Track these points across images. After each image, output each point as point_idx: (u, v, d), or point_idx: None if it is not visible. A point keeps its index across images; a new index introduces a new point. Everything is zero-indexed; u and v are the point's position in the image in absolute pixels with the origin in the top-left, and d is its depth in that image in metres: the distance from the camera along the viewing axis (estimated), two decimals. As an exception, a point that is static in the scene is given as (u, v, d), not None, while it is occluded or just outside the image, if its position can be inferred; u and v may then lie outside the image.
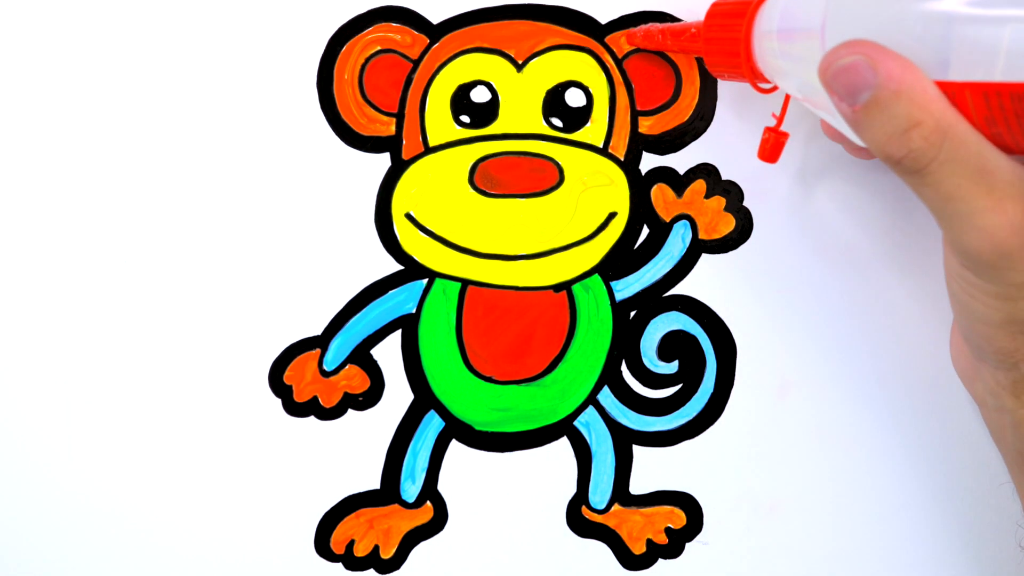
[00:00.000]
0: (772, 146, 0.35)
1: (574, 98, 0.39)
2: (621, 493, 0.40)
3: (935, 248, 0.40)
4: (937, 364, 0.40)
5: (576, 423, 0.40)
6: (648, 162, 0.39)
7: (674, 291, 0.40)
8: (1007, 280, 0.28)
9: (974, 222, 0.27)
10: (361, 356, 0.39)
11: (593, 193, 0.39)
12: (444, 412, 0.40)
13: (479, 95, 0.39)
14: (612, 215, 0.39)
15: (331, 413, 0.39)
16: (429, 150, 0.39)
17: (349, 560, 0.40)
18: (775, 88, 0.34)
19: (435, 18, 0.38)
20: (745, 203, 0.39)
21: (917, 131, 0.26)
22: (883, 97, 0.26)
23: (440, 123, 0.39)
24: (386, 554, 0.40)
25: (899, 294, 0.40)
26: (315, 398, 0.39)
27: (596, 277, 0.39)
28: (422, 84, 0.38)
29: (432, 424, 0.40)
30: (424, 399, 0.39)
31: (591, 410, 0.40)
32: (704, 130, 0.39)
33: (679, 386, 0.40)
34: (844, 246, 0.40)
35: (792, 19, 0.30)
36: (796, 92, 0.31)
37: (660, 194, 0.39)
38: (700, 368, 0.40)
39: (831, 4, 0.28)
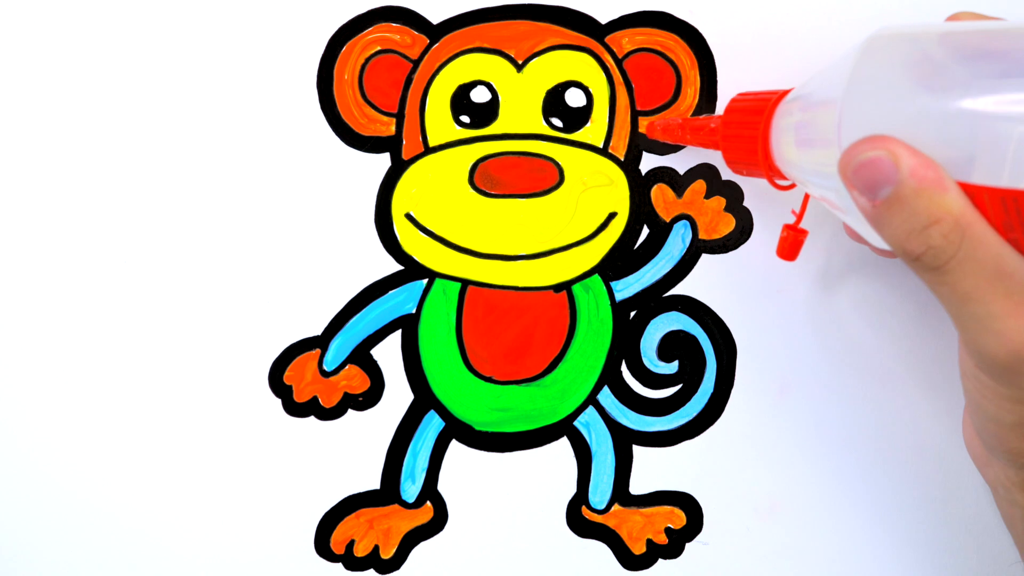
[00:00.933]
0: (791, 244, 0.35)
1: (574, 98, 0.39)
2: (621, 493, 0.40)
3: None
4: (938, 365, 0.40)
5: (576, 423, 0.40)
6: (648, 162, 0.39)
7: (674, 291, 0.40)
8: (1022, 384, 0.27)
9: (990, 325, 0.26)
10: (361, 356, 0.39)
11: (593, 193, 0.39)
12: (444, 412, 0.40)
13: (479, 95, 0.39)
14: (612, 215, 0.39)
15: (331, 413, 0.39)
16: (429, 150, 0.39)
17: (349, 560, 0.40)
18: (793, 186, 0.33)
19: (435, 18, 0.38)
20: (745, 203, 0.39)
21: (936, 228, 0.26)
22: (904, 193, 0.26)
23: (440, 123, 0.39)
24: (386, 554, 0.40)
25: (900, 289, 0.40)
26: (315, 398, 0.39)
27: (596, 277, 0.39)
28: (422, 84, 0.38)
29: (432, 424, 0.40)
30: (424, 399, 0.39)
31: (591, 410, 0.40)
32: (704, 130, 0.39)
33: (679, 386, 0.40)
34: (844, 245, 0.40)
35: (809, 115, 0.30)
36: (814, 190, 0.31)
37: (660, 194, 0.39)
38: (700, 368, 0.40)
39: (848, 101, 0.27)
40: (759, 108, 0.33)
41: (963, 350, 0.30)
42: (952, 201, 0.26)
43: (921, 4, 0.38)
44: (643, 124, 0.39)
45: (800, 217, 0.35)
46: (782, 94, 0.33)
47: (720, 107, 0.39)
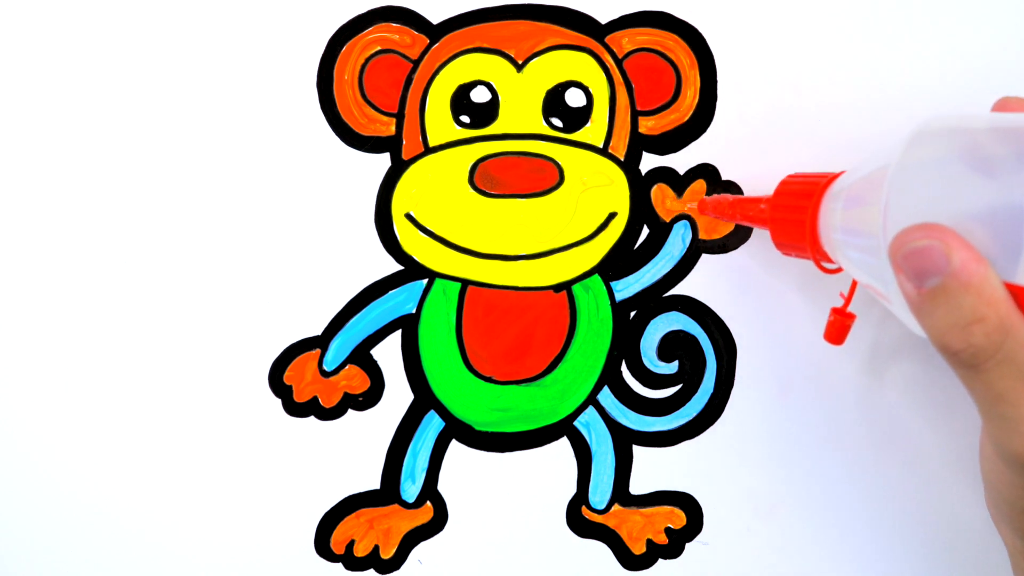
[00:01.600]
0: (839, 328, 0.35)
1: (574, 98, 0.39)
2: (621, 493, 0.40)
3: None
4: (939, 369, 0.40)
5: (576, 423, 0.40)
6: (648, 162, 0.39)
7: (674, 291, 0.40)
8: None
9: (1020, 428, 0.26)
10: (361, 356, 0.39)
11: (593, 193, 0.39)
12: (444, 412, 0.40)
13: (479, 95, 0.39)
14: (612, 215, 0.39)
15: (331, 413, 0.39)
16: (429, 150, 0.39)
17: (349, 560, 0.40)
18: (840, 269, 0.33)
19: (435, 18, 0.38)
20: (745, 203, 0.39)
21: (980, 326, 0.26)
22: (952, 286, 0.26)
23: (440, 123, 0.39)
24: (386, 554, 0.40)
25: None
26: (315, 398, 0.39)
27: (596, 277, 0.39)
28: (422, 84, 0.38)
29: (432, 424, 0.40)
30: (424, 399, 0.39)
31: (591, 410, 0.40)
32: (704, 130, 0.39)
33: (679, 386, 0.40)
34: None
35: (858, 201, 0.30)
36: (860, 276, 0.31)
37: (660, 194, 0.39)
38: (700, 368, 0.40)
39: (896, 189, 0.27)
40: (808, 192, 0.33)
41: (986, 437, 0.30)
42: (999, 301, 0.26)
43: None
44: (643, 124, 0.39)
45: (848, 301, 0.35)
46: (832, 178, 0.33)
47: (720, 107, 0.39)
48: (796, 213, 0.33)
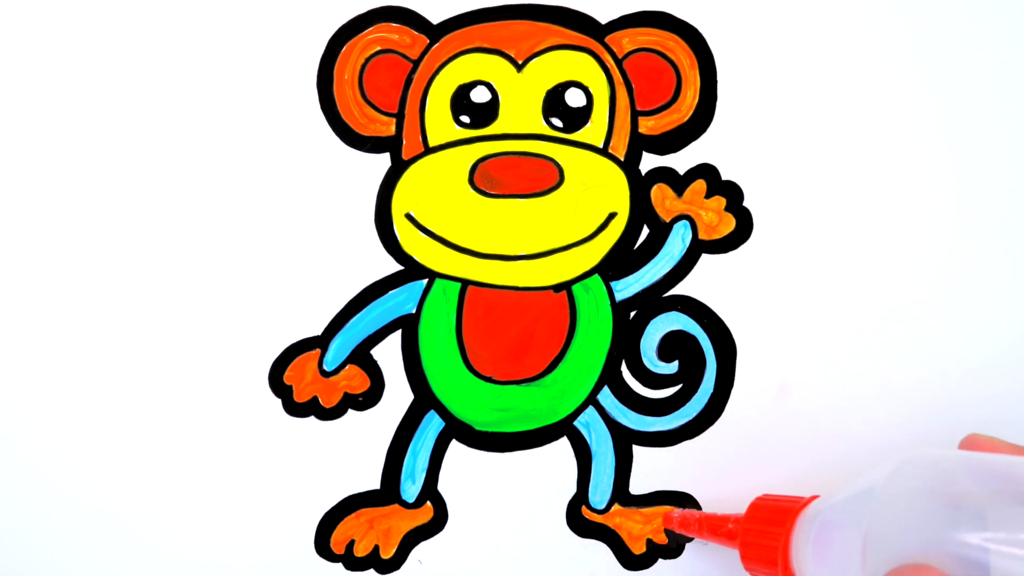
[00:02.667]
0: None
1: (574, 98, 0.39)
2: (621, 493, 0.40)
3: (935, 244, 0.40)
4: (939, 372, 0.40)
5: (576, 423, 0.40)
6: (648, 162, 0.39)
7: (674, 291, 0.40)
8: None
9: None
10: (361, 356, 0.39)
11: (593, 193, 0.39)
12: (444, 412, 0.40)
13: (479, 95, 0.39)
14: (612, 215, 0.39)
15: (331, 413, 0.39)
16: (429, 150, 0.39)
17: (349, 560, 0.40)
18: None
19: (435, 18, 0.38)
20: (745, 203, 0.39)
21: None
22: None
23: (440, 123, 0.39)
24: (386, 554, 0.40)
25: (901, 292, 0.40)
26: (315, 398, 0.39)
27: (596, 277, 0.39)
28: (422, 84, 0.38)
29: (432, 424, 0.40)
30: (424, 399, 0.39)
31: (591, 410, 0.40)
32: (704, 130, 0.39)
33: (679, 386, 0.40)
34: (844, 245, 0.40)
35: (833, 533, 0.30)
36: None
37: (660, 194, 0.39)
38: (700, 368, 0.40)
39: (873, 527, 0.28)
40: (780, 519, 0.33)
41: None
42: None
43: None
44: (643, 124, 0.39)
45: None
46: (804, 503, 0.33)
47: (720, 108, 0.39)
48: (768, 539, 0.33)
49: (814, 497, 0.33)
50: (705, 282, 0.40)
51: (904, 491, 0.28)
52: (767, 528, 0.33)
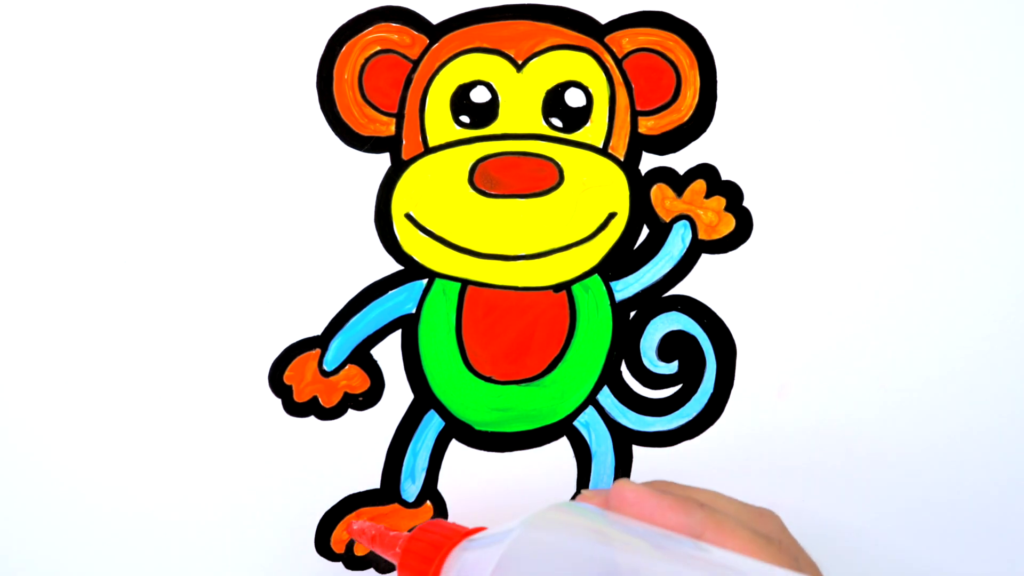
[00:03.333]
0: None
1: (574, 98, 0.39)
2: (621, 493, 0.40)
3: (935, 244, 0.40)
4: (938, 373, 0.40)
5: (576, 423, 0.40)
6: (648, 162, 0.39)
7: (674, 291, 0.40)
8: None
9: None
10: (361, 356, 0.39)
11: (593, 193, 0.39)
12: (444, 412, 0.40)
13: (479, 95, 0.39)
14: (612, 215, 0.39)
15: (331, 413, 0.39)
16: (429, 150, 0.39)
17: (349, 560, 0.40)
18: None
19: (435, 18, 0.38)
20: (745, 203, 0.39)
21: None
22: None
23: (440, 123, 0.39)
24: (386, 554, 0.40)
25: (899, 293, 0.40)
26: (315, 398, 0.39)
27: (596, 277, 0.40)
28: (422, 84, 0.38)
29: (432, 424, 0.40)
30: (424, 399, 0.40)
31: (591, 410, 0.40)
32: (704, 130, 0.39)
33: (679, 386, 0.40)
34: (844, 245, 0.40)
35: (469, 571, 0.31)
36: None
37: (660, 194, 0.39)
38: (700, 368, 0.40)
39: (500, 569, 0.29)
40: (438, 545, 0.33)
41: None
42: None
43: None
44: (643, 124, 0.39)
45: None
46: (465, 534, 0.33)
47: (720, 108, 0.39)
48: (423, 563, 0.34)
49: (477, 529, 0.33)
50: (705, 282, 0.40)
51: (533, 541, 0.30)
52: (425, 552, 0.34)
